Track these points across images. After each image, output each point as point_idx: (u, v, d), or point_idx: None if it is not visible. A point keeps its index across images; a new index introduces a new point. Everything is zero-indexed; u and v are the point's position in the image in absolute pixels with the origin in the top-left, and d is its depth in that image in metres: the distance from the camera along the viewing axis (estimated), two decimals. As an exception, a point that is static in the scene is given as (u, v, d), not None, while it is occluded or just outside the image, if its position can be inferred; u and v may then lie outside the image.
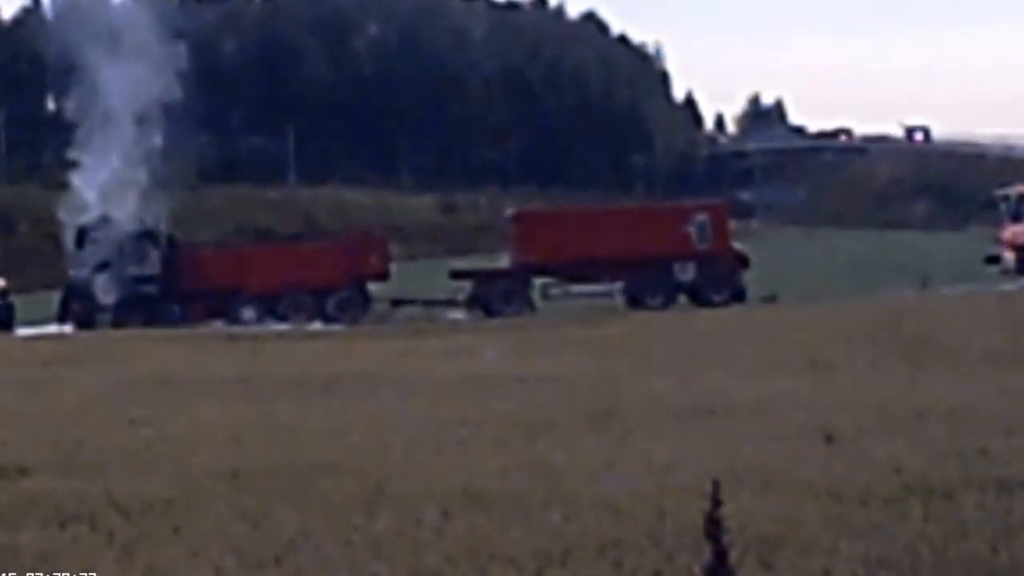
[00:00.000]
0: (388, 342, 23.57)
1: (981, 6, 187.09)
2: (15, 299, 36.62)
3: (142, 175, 37.24)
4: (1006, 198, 37.54)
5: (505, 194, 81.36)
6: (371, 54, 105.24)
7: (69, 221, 37.04)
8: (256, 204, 76.92)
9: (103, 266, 35.72)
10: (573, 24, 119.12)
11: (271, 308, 35.09)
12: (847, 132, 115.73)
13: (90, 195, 36.99)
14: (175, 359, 19.56)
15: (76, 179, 37.75)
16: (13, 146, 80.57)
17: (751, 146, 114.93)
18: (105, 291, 35.38)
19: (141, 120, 37.30)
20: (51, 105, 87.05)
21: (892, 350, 16.06)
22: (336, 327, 32.71)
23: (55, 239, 39.12)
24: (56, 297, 36.66)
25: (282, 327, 32.45)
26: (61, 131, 40.13)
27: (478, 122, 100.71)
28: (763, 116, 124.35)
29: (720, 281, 35.28)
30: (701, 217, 36.52)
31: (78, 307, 35.39)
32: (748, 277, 36.03)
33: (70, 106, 40.60)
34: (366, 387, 13.98)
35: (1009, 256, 35.72)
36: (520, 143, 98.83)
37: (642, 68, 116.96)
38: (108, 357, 19.89)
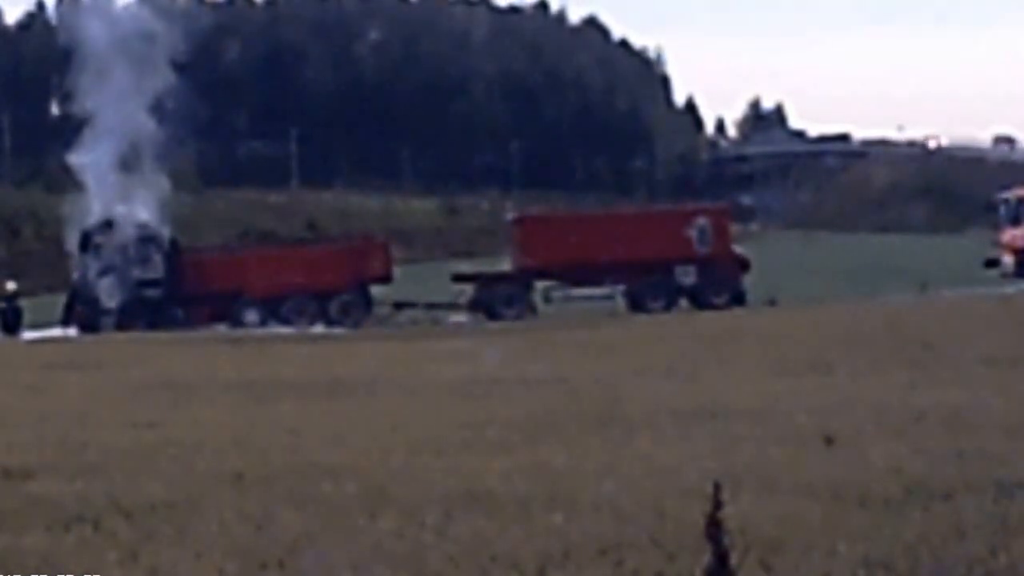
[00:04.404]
0: (390, 345, 23.61)
1: (981, 10, 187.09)
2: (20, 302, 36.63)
3: (145, 179, 37.30)
4: (1005, 201, 37.57)
5: (507, 198, 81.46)
6: (373, 58, 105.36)
7: (73, 225, 37.10)
8: (259, 208, 76.93)
9: (107, 270, 35.76)
10: (574, 29, 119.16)
11: (274, 311, 35.13)
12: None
13: (94, 199, 37.04)
14: (178, 362, 19.60)
15: (80, 183, 37.80)
16: (17, 150, 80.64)
17: (751, 150, 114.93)
18: (109, 295, 35.43)
19: (144, 124, 37.34)
20: (55, 109, 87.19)
21: (891, 353, 16.09)
22: (339, 330, 32.76)
23: (59, 243, 39.17)
24: (60, 300, 36.70)
25: (285, 330, 32.49)
26: (65, 135, 40.19)
27: (480, 126, 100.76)
28: (763, 120, 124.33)
29: (721, 284, 35.32)
30: (702, 221, 36.57)
31: (82, 310, 35.44)
32: (748, 280, 36.05)
33: (74, 110, 40.66)
34: (368, 390, 14.02)
35: (1008, 259, 35.75)
36: (522, 147, 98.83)
37: (643, 72, 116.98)
38: (112, 360, 19.93)
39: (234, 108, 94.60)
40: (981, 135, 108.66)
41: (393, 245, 40.66)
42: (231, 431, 10.39)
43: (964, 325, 20.02)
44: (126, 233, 36.27)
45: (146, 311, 35.08)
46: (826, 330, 20.52)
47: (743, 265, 36.40)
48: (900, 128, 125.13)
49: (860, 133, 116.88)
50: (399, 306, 36.63)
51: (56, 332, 33.95)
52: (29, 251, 58.62)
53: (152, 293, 35.75)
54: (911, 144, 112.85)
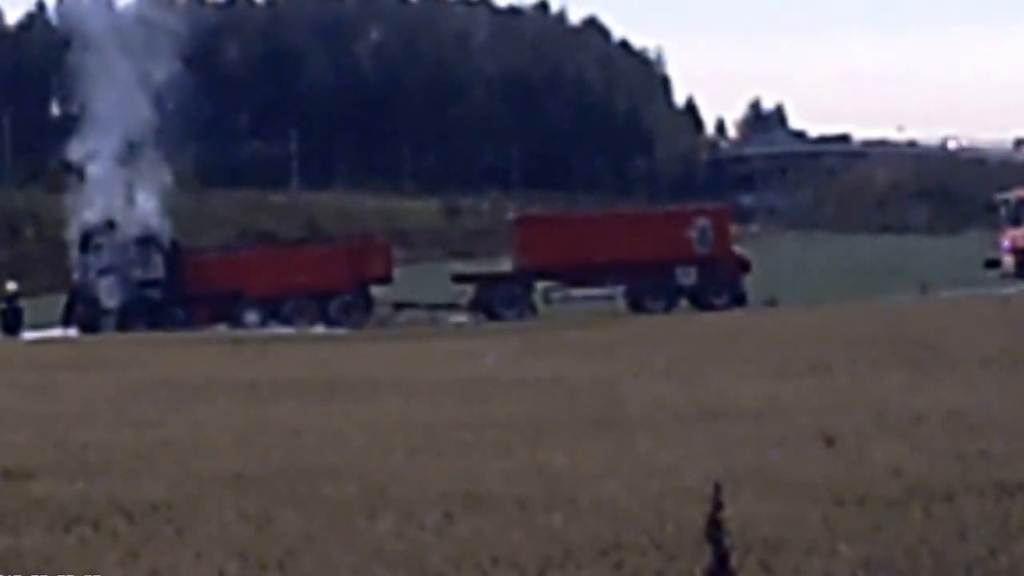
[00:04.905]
0: (391, 345, 23.62)
1: (982, 11, 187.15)
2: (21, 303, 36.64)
3: (146, 180, 37.31)
4: (1006, 202, 37.61)
5: (507, 198, 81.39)
6: (374, 59, 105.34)
7: (73, 224, 37.11)
8: (259, 208, 76.90)
9: (108, 270, 35.78)
10: (575, 29, 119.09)
11: (274, 312, 35.14)
12: None
13: (94, 199, 37.05)
14: (179, 363, 19.61)
15: (80, 183, 37.81)
16: (18, 150, 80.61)
17: (752, 151, 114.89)
18: (109, 295, 35.45)
19: (144, 124, 37.35)
20: (56, 110, 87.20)
21: (892, 354, 16.09)
22: (339, 331, 32.75)
23: (60, 243, 39.18)
24: (61, 301, 36.72)
25: (285, 331, 32.49)
26: (66, 135, 40.19)
27: (480, 126, 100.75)
28: (764, 121, 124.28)
29: (721, 285, 35.32)
30: (702, 221, 36.57)
31: (83, 311, 35.44)
32: (749, 281, 36.05)
33: (74, 110, 40.66)
34: (369, 390, 14.03)
35: (1008, 260, 35.78)
36: (522, 147, 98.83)
37: (643, 73, 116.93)
38: (112, 361, 19.93)
39: (234, 108, 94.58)
40: (991, 137, 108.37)
41: (393, 246, 40.66)
42: (231, 431, 10.40)
43: (964, 326, 20.03)
44: (126, 233, 36.29)
45: (146, 311, 35.09)
46: (826, 331, 20.53)
47: (743, 266, 36.40)
48: (900, 128, 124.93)
49: (860, 133, 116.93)
50: (399, 307, 36.64)
51: (57, 332, 33.95)
52: (30, 251, 58.61)
53: (152, 293, 35.78)
54: (911, 144, 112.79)
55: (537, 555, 5.82)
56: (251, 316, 35.14)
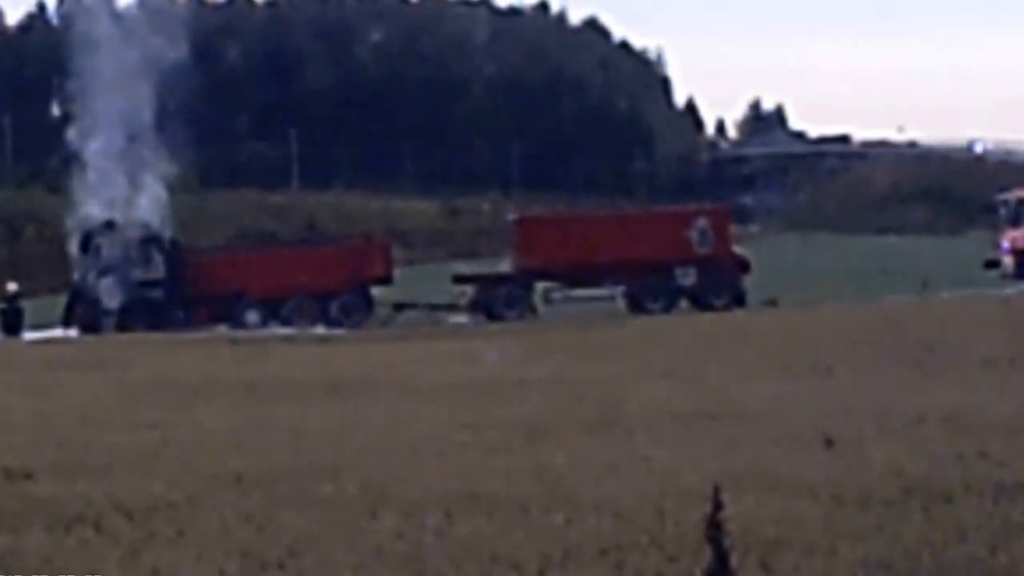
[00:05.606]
0: (391, 346, 23.62)
1: (983, 11, 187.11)
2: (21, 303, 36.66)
3: (146, 180, 37.34)
4: (1005, 203, 37.64)
5: (507, 199, 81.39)
6: (374, 60, 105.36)
7: (74, 226, 37.13)
8: (260, 209, 76.89)
9: (108, 270, 35.79)
10: (575, 30, 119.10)
11: (275, 312, 35.16)
12: None
13: (95, 200, 37.07)
14: (179, 363, 19.61)
15: (81, 184, 37.84)
16: (19, 151, 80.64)
17: (752, 151, 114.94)
18: (110, 295, 35.46)
19: (145, 125, 37.37)
20: (56, 111, 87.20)
21: (892, 354, 16.10)
22: (339, 331, 32.76)
23: (61, 244, 39.20)
24: (62, 301, 36.74)
25: (286, 331, 32.49)
26: (66, 136, 40.22)
27: (480, 127, 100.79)
28: (764, 121, 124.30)
29: (721, 285, 35.33)
30: (702, 222, 36.59)
31: (83, 311, 35.45)
32: (749, 281, 36.07)
33: (75, 111, 40.69)
34: (369, 391, 14.04)
35: (1008, 260, 35.81)
36: (522, 148, 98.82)
37: (643, 73, 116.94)
38: (113, 361, 19.94)
39: (235, 109, 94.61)
40: (993, 136, 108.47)
41: (394, 246, 40.68)
42: (232, 432, 10.40)
43: (964, 326, 20.04)
44: (127, 234, 36.30)
45: (147, 312, 35.09)
46: (826, 331, 20.54)
47: (743, 266, 36.41)
48: (900, 129, 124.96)
49: (860, 134, 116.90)
50: (400, 307, 36.65)
51: (57, 333, 33.97)
52: (30, 251, 58.62)
53: (153, 294, 35.78)
54: (911, 145, 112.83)
55: (537, 555, 5.82)
56: (251, 316, 35.15)
